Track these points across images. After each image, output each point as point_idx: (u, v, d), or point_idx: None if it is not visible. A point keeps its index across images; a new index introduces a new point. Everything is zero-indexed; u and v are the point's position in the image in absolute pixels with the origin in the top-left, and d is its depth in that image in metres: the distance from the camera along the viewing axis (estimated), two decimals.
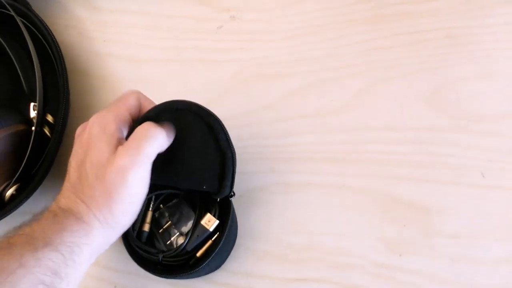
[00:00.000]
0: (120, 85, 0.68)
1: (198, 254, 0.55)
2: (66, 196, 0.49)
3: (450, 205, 0.59)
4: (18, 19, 0.59)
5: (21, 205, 0.57)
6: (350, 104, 0.63)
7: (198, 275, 0.58)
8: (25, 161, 0.56)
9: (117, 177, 0.47)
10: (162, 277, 0.56)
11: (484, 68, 0.63)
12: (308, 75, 0.65)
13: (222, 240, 0.55)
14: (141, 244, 0.56)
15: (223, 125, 0.52)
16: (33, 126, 0.57)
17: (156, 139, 0.49)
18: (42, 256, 0.44)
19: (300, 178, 0.62)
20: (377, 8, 0.67)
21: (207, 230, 0.55)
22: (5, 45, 0.60)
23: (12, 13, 0.59)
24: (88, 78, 0.68)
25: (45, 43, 0.63)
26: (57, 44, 0.62)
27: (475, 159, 0.60)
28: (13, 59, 0.60)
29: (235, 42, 0.68)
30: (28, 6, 0.64)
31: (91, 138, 0.49)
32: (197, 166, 0.53)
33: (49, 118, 0.60)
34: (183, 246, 0.55)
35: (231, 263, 0.60)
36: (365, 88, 0.64)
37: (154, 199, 0.58)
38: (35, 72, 0.58)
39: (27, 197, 0.57)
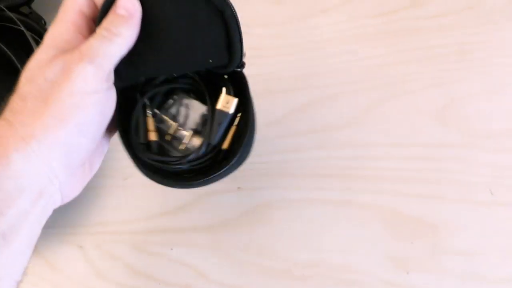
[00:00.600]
0: None
1: (225, 145, 0.46)
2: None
3: (458, 222, 0.58)
4: (28, 34, 0.60)
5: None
6: (358, 120, 0.63)
7: (231, 171, 0.46)
8: None
9: (61, 73, 0.37)
10: (193, 186, 0.46)
11: (494, 84, 0.62)
12: (316, 90, 0.65)
13: (250, 118, 0.45)
14: (157, 157, 0.46)
15: None
16: None
17: (124, 29, 0.38)
18: None
19: (307, 194, 0.61)
20: (386, 23, 0.67)
21: (227, 113, 0.45)
22: (15, 60, 0.61)
23: (22, 28, 0.60)
24: None
25: None
26: None
27: (484, 176, 0.59)
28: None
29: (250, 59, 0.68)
30: (39, 22, 0.65)
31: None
32: (193, 40, 0.41)
33: None
34: (206, 141, 0.45)
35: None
36: (373, 103, 0.63)
37: (150, 100, 0.47)
38: None
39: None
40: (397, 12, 0.67)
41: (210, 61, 0.42)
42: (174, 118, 0.48)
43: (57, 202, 0.40)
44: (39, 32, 0.63)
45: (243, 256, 0.60)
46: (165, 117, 0.47)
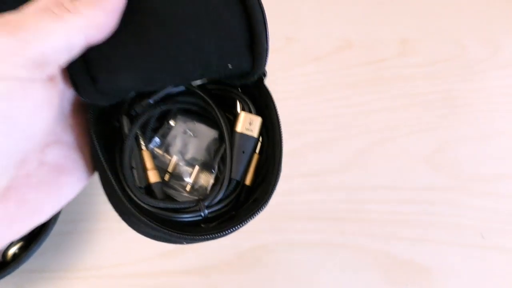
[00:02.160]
0: None
1: (248, 181, 0.34)
2: None
3: (451, 265, 0.59)
4: None
5: (23, 263, 0.57)
6: (350, 164, 0.64)
7: (255, 211, 0.34)
8: None
9: None
10: (209, 238, 0.32)
11: (481, 130, 0.64)
12: (309, 135, 0.66)
13: (278, 142, 0.33)
14: (166, 204, 0.33)
15: None
16: None
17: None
18: None
19: (301, 237, 0.61)
20: (376, 70, 0.68)
21: (252, 137, 0.34)
22: None
23: None
24: None
25: None
26: None
27: (475, 219, 0.60)
28: None
29: None
30: None
31: None
32: (202, 36, 0.29)
33: None
34: (228, 176, 0.33)
35: None
36: (364, 148, 0.65)
37: (141, 128, 0.34)
38: None
39: (29, 255, 0.57)
40: (386, 60, 0.69)
41: (229, 66, 0.30)
42: (170, 149, 0.35)
43: None
44: None
45: None
46: (159, 151, 0.35)
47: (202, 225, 0.34)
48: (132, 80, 0.29)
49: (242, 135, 0.34)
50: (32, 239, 0.57)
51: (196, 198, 0.34)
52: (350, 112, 0.67)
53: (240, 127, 0.34)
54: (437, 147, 0.64)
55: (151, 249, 0.62)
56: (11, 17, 0.25)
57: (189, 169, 0.35)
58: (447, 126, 0.65)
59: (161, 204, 0.32)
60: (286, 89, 0.69)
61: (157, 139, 0.35)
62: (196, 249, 0.62)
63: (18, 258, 0.55)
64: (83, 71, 0.28)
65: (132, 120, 0.33)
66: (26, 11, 0.25)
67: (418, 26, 0.71)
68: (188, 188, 0.34)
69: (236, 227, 0.33)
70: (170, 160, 0.34)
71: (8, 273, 0.55)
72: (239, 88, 0.35)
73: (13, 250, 0.55)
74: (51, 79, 0.27)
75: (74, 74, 0.28)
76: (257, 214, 0.33)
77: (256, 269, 0.61)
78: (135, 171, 0.33)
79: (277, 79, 0.70)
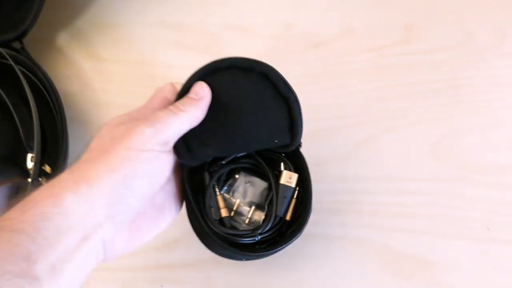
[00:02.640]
0: None
1: (288, 217, 0.51)
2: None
3: (454, 259, 0.57)
4: (17, 68, 0.59)
5: None
6: (352, 154, 0.63)
7: (293, 239, 0.50)
8: None
9: (124, 131, 0.41)
10: (261, 255, 0.50)
11: (487, 119, 0.62)
12: (309, 124, 0.63)
13: (309, 191, 0.50)
14: (232, 230, 0.50)
15: (277, 70, 0.48)
16: (29, 177, 0.56)
17: (192, 108, 0.44)
18: None
19: None
20: (378, 58, 0.67)
21: (290, 187, 0.50)
22: (3, 95, 0.60)
23: (11, 62, 0.59)
24: (88, 127, 0.68)
25: (46, 93, 0.63)
26: (57, 93, 0.62)
27: (480, 211, 0.58)
28: (12, 109, 0.60)
29: None
30: (30, 57, 0.64)
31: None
32: (260, 122, 0.47)
33: (47, 168, 0.59)
34: (274, 214, 0.50)
35: None
36: (367, 137, 0.63)
37: (217, 180, 0.52)
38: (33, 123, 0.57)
39: None
40: (389, 47, 0.68)
41: (276, 141, 0.48)
42: (234, 194, 0.53)
43: (100, 256, 0.41)
44: (29, 66, 0.63)
45: None
46: (228, 196, 0.53)
47: (256, 247, 0.50)
48: (213, 150, 0.47)
49: (284, 185, 0.51)
50: None
51: (252, 228, 0.51)
52: (351, 101, 0.65)
53: (283, 180, 0.51)
54: (441, 137, 0.62)
55: (145, 243, 0.61)
56: (149, 115, 0.42)
57: (247, 208, 0.52)
58: (451, 115, 0.63)
59: (229, 231, 0.50)
60: (285, 76, 0.67)
61: (226, 188, 0.53)
62: (192, 242, 0.60)
63: None
64: (183, 144, 0.45)
65: (210, 175, 0.51)
66: (158, 112, 0.43)
67: (423, 11, 0.69)
68: (246, 221, 0.52)
69: (279, 249, 0.49)
70: (235, 202, 0.52)
71: None
72: (283, 154, 0.52)
73: None
74: (169, 151, 0.44)
75: (177, 146, 0.45)
76: (294, 240, 0.49)
77: (253, 262, 0.59)
78: (212, 209, 0.51)
79: (275, 66, 0.68)
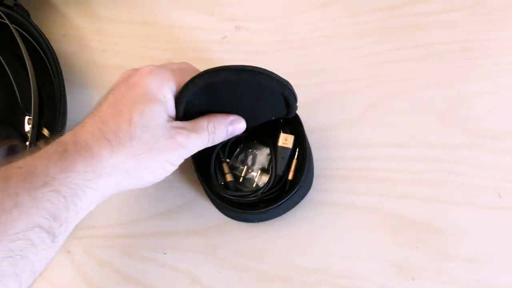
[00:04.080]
0: None
1: (290, 176, 0.56)
2: (90, 130, 0.45)
3: (465, 227, 0.56)
4: (12, 27, 0.57)
5: None
6: (360, 119, 0.61)
7: (298, 198, 0.57)
8: None
9: (170, 145, 0.47)
10: (267, 216, 0.57)
11: (500, 83, 0.60)
12: (316, 88, 0.63)
13: (307, 150, 0.55)
14: (235, 193, 0.56)
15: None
16: (27, 140, 0.55)
17: (222, 137, 0.52)
18: (41, 197, 0.40)
19: (307, 195, 0.59)
20: (387, 19, 0.64)
21: (288, 148, 0.56)
22: None
23: (7, 21, 0.57)
24: (87, 89, 0.66)
25: (42, 53, 0.60)
26: (55, 54, 0.60)
27: (492, 178, 0.57)
28: (8, 70, 0.57)
29: (240, 53, 0.65)
30: (24, 15, 0.62)
31: (144, 86, 0.47)
32: (261, 110, 0.53)
33: (45, 132, 0.57)
34: (274, 173, 0.55)
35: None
36: (375, 102, 0.61)
37: (221, 151, 0.58)
38: (30, 84, 0.55)
39: None
40: (399, 7, 0.65)
41: (273, 118, 0.54)
42: (243, 162, 0.59)
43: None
44: (24, 25, 0.60)
45: (239, 261, 0.57)
46: (236, 164, 0.59)
47: (260, 205, 0.55)
48: None
49: (282, 147, 0.56)
50: None
51: (256, 189, 0.56)
52: (359, 63, 0.63)
53: (280, 142, 0.56)
54: (452, 102, 0.60)
55: (148, 210, 0.60)
56: (190, 142, 0.49)
57: (254, 174, 0.58)
58: (463, 79, 0.61)
59: (234, 193, 0.56)
60: (290, 37, 0.65)
61: (233, 158, 0.59)
62: (195, 210, 0.60)
63: None
64: None
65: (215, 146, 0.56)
66: (196, 139, 0.49)
67: None
68: (254, 185, 0.58)
69: (281, 203, 0.54)
70: (242, 169, 0.59)
71: None
72: (281, 120, 0.57)
73: None
74: None
75: None
76: (294, 194, 0.55)
77: (258, 229, 0.58)
78: (218, 175, 0.58)
79: (280, 27, 0.66)
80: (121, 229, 0.60)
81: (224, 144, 0.57)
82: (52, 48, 0.60)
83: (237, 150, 0.59)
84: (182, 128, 0.48)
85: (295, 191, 0.54)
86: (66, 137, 0.45)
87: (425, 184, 0.58)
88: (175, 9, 0.68)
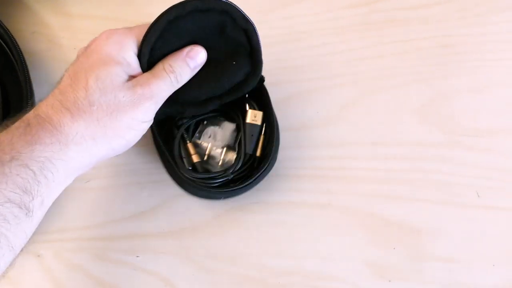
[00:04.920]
0: None
1: (258, 153, 0.56)
2: (50, 103, 0.45)
3: (443, 226, 0.56)
4: None
5: None
6: (336, 117, 0.60)
7: (266, 173, 0.57)
8: None
9: (133, 101, 0.46)
10: (236, 193, 0.56)
11: (478, 80, 0.61)
12: (292, 86, 0.62)
13: (275, 125, 0.55)
14: (204, 175, 0.55)
15: (235, 5, 0.51)
16: None
17: (185, 73, 0.50)
18: (8, 172, 0.41)
19: (282, 196, 0.58)
20: (365, 14, 0.64)
21: (257, 125, 0.56)
22: None
23: None
24: None
25: (8, 51, 0.59)
26: (20, 51, 0.58)
27: (470, 177, 0.57)
28: None
29: None
30: None
31: (100, 52, 0.47)
32: (224, 56, 0.52)
33: None
34: (243, 152, 0.55)
35: None
36: (351, 100, 0.61)
37: (186, 130, 0.57)
38: None
39: None
40: (376, 2, 0.65)
41: (238, 67, 0.52)
42: (205, 139, 0.57)
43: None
44: None
45: (214, 264, 0.57)
46: (199, 141, 0.57)
47: (230, 185, 0.55)
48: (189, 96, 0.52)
49: (251, 124, 0.55)
50: None
51: (224, 169, 0.55)
52: (336, 60, 0.63)
53: (248, 119, 0.56)
54: (430, 99, 0.60)
55: (120, 211, 0.59)
56: (153, 89, 0.47)
57: (219, 151, 0.57)
58: (441, 76, 0.61)
59: (202, 175, 0.55)
60: (266, 33, 0.63)
61: (197, 135, 0.58)
62: (168, 211, 0.59)
63: None
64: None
65: (178, 128, 0.56)
66: (159, 84, 0.48)
67: None
68: (220, 163, 0.57)
69: (251, 181, 0.54)
70: (206, 147, 0.57)
71: None
72: (247, 95, 0.55)
73: None
74: None
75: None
76: (263, 172, 0.55)
77: (232, 231, 0.58)
78: (184, 159, 0.56)
79: (257, 22, 0.64)
80: (92, 231, 0.58)
81: (187, 126, 0.57)
82: (18, 46, 0.59)
83: (199, 127, 0.58)
84: (140, 78, 0.48)
85: (264, 168, 0.54)
86: (29, 113, 0.45)
87: (402, 183, 0.58)
88: (150, 4, 0.67)
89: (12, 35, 0.59)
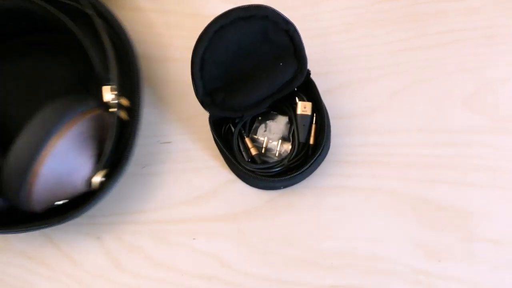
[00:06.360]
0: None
1: (311, 141, 0.58)
2: None
3: (489, 209, 0.57)
4: (97, 21, 0.57)
5: (109, 191, 0.56)
6: (384, 105, 0.62)
7: (321, 160, 0.59)
8: (112, 145, 0.54)
9: None
10: (293, 181, 0.59)
11: None
12: (340, 76, 0.63)
13: (325, 114, 0.57)
14: (263, 165, 0.58)
15: (274, 9, 0.56)
16: (108, 109, 0.54)
17: None
18: None
19: (333, 181, 0.60)
20: (410, 5, 0.65)
21: (307, 115, 0.58)
22: (78, 34, 0.57)
23: (89, 11, 0.57)
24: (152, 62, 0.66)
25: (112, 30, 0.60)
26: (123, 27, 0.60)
27: None
28: (81, 39, 0.57)
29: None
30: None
31: None
32: (269, 60, 0.57)
33: (124, 101, 0.56)
34: (297, 141, 0.57)
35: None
36: (399, 89, 0.62)
37: (242, 127, 0.60)
38: (103, 54, 0.56)
39: (113, 182, 0.55)
40: None
41: (283, 67, 0.57)
42: (263, 134, 0.60)
43: None
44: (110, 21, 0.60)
45: (268, 245, 0.59)
46: (255, 136, 0.60)
47: (288, 173, 0.57)
48: (236, 100, 0.58)
49: (301, 115, 0.58)
50: (114, 166, 0.56)
51: (281, 159, 0.58)
52: (383, 51, 0.64)
53: (299, 110, 0.58)
54: (474, 88, 0.61)
55: (176, 196, 0.62)
56: None
57: (275, 143, 0.60)
58: (486, 65, 0.62)
59: (260, 166, 0.58)
60: (313, 26, 0.66)
61: (252, 130, 0.61)
62: (224, 195, 0.61)
63: (104, 186, 0.55)
64: (209, 97, 0.58)
65: (235, 126, 0.59)
66: None
67: None
68: (277, 154, 0.60)
69: (307, 167, 0.56)
70: (263, 141, 0.60)
71: (99, 200, 0.56)
72: (295, 88, 0.58)
73: (98, 179, 0.54)
74: None
75: (204, 99, 0.58)
76: (317, 159, 0.57)
77: (286, 214, 0.60)
78: (243, 152, 0.59)
79: (303, 15, 0.66)
80: (149, 215, 0.61)
81: (244, 123, 0.59)
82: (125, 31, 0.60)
83: (255, 123, 0.61)
84: None
85: (318, 153, 0.56)
86: None
87: (449, 168, 0.59)
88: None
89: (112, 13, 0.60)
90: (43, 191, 0.51)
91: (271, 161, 0.59)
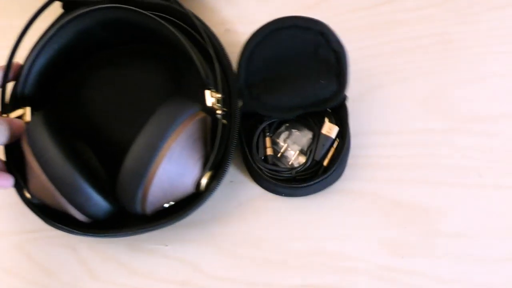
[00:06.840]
0: None
1: (325, 163, 0.59)
2: None
3: (449, 205, 0.59)
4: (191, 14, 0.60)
5: (214, 191, 0.56)
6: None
7: (328, 183, 0.60)
8: (217, 148, 0.55)
9: None
10: (295, 193, 0.60)
11: (476, 71, 0.64)
12: None
13: (346, 144, 0.58)
14: (272, 166, 0.60)
15: (331, 29, 0.58)
16: (211, 112, 0.56)
17: None
18: None
19: None
20: (369, 16, 0.68)
21: (330, 137, 0.59)
22: (181, 38, 0.58)
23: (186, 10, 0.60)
24: None
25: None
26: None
27: (472, 159, 0.61)
28: (187, 48, 0.58)
29: (230, 54, 0.66)
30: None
31: None
32: (312, 71, 0.59)
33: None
34: (312, 157, 0.59)
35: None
36: (359, 94, 0.64)
37: (268, 126, 0.61)
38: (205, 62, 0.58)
39: (218, 183, 0.56)
40: (376, 6, 0.68)
41: (324, 85, 0.58)
42: (285, 140, 0.61)
43: None
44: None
45: (238, 249, 0.60)
46: (277, 140, 0.62)
47: (293, 183, 0.59)
48: (273, 99, 0.60)
49: (324, 135, 0.59)
50: (217, 168, 0.57)
51: (292, 167, 0.60)
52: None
53: (324, 130, 0.59)
54: (432, 91, 0.64)
55: None
56: None
57: (292, 152, 0.61)
58: (442, 69, 0.64)
59: (270, 167, 0.60)
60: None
61: (277, 133, 0.62)
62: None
63: (210, 187, 0.56)
64: (247, 92, 0.60)
65: (261, 123, 0.61)
66: None
67: None
68: (290, 163, 0.61)
69: (310, 184, 0.58)
70: (282, 146, 0.61)
71: (205, 201, 0.56)
72: (328, 109, 0.59)
73: (205, 180, 0.55)
74: None
75: (243, 93, 0.60)
76: (321, 180, 0.58)
77: (254, 218, 0.62)
78: (259, 149, 0.61)
79: None
80: None
81: (270, 123, 0.61)
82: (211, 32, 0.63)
83: (282, 127, 0.62)
84: None
85: (327, 175, 0.57)
86: None
87: (409, 168, 0.61)
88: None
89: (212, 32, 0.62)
90: (157, 193, 0.52)
91: (282, 166, 0.61)
